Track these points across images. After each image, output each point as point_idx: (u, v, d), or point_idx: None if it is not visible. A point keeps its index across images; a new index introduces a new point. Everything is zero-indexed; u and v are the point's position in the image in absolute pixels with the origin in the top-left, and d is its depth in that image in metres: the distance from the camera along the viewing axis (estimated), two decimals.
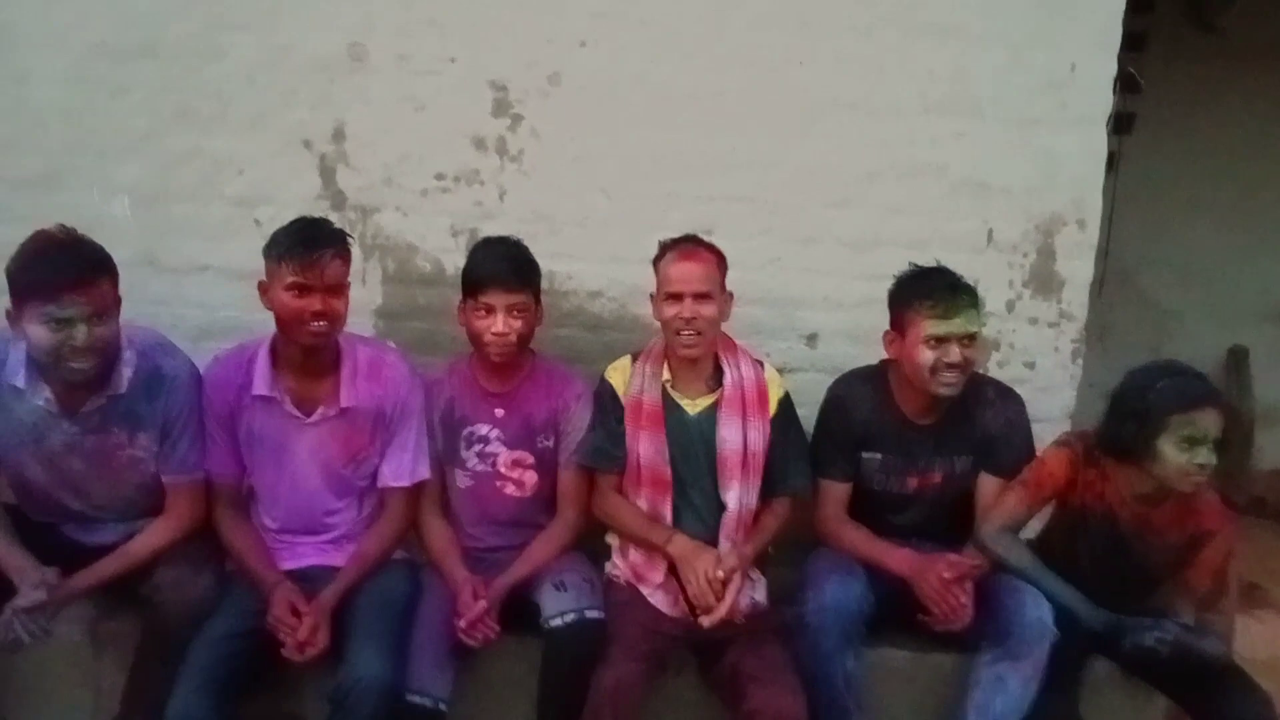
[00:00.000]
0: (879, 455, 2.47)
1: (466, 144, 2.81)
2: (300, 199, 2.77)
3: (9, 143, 2.78)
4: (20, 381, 2.22)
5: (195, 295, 2.79)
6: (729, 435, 2.36)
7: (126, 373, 2.26)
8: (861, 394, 2.49)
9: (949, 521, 2.50)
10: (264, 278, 2.28)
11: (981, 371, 2.67)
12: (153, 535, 2.29)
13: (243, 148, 2.79)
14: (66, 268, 2.08)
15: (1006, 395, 2.51)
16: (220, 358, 2.40)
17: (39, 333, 2.08)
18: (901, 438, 2.46)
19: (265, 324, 2.34)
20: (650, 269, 2.43)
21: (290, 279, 2.21)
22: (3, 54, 2.75)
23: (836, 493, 2.49)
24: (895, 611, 2.36)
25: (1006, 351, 2.91)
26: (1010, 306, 2.90)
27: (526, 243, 2.45)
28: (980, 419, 2.46)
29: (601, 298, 2.88)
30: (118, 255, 2.19)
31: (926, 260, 2.47)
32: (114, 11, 2.74)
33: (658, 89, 2.80)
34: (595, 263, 2.85)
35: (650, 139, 2.81)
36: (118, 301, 2.19)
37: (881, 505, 2.51)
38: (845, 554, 2.41)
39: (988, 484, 2.46)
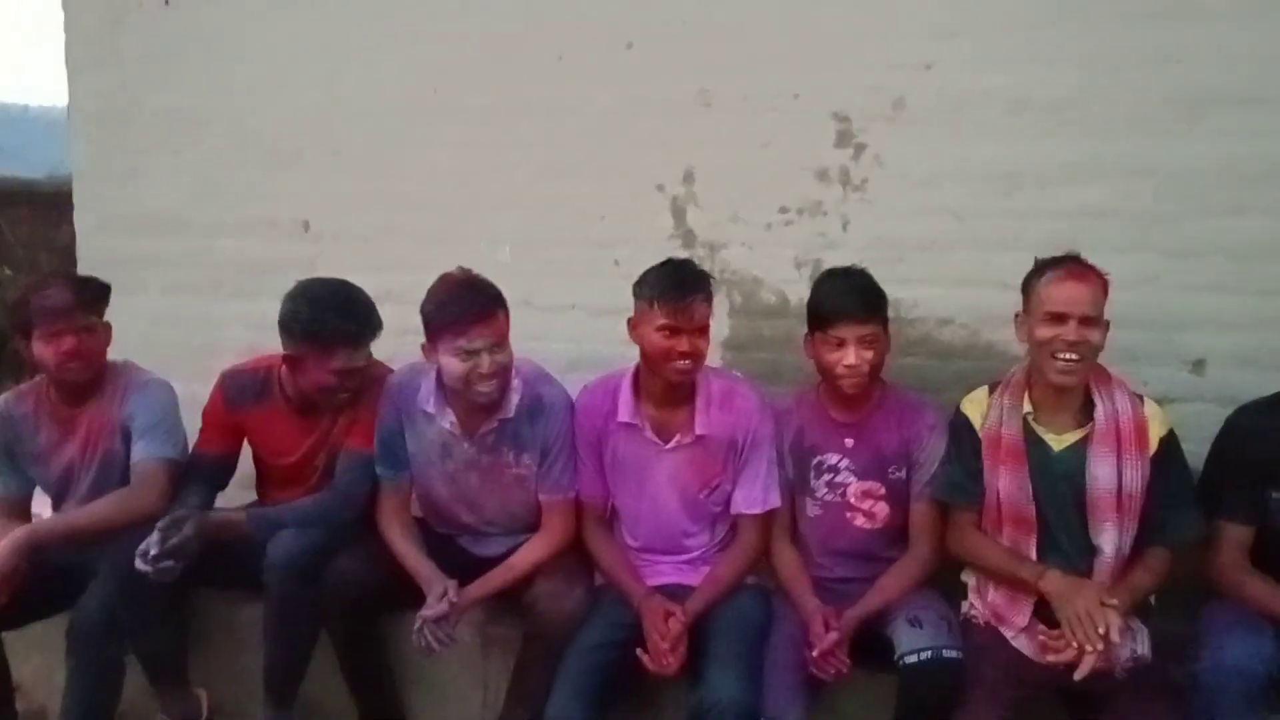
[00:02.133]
0: None
1: (809, 176, 2.85)
2: (654, 239, 2.95)
3: (417, 202, 3.23)
4: (430, 407, 2.56)
5: (564, 331, 3.05)
6: (1101, 473, 2.17)
7: (515, 399, 2.53)
8: (1269, 425, 2.19)
9: None
10: (632, 315, 2.45)
11: None
12: (532, 550, 2.54)
13: (602, 194, 3.04)
14: (472, 304, 2.38)
15: None
16: (589, 387, 2.61)
17: (451, 363, 2.39)
18: None
19: (626, 356, 2.51)
20: (1005, 293, 2.31)
21: (661, 321, 2.36)
22: (408, 123, 3.21)
23: (1237, 536, 2.19)
24: None
25: None
26: None
27: (871, 271, 2.43)
28: None
29: (951, 324, 2.78)
30: None
31: None
32: (502, 78, 3.10)
33: (1007, 102, 2.67)
34: (944, 288, 2.77)
35: (1001, 155, 2.69)
36: (509, 332, 2.46)
37: None
38: (1248, 607, 2.12)
39: None
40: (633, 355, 2.51)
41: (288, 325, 2.52)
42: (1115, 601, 2.06)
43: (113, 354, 2.76)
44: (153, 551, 2.35)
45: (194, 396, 2.82)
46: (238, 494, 2.83)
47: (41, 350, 2.59)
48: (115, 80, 3.45)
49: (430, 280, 2.48)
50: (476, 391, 2.41)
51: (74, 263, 3.59)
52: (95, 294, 2.67)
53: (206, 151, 3.42)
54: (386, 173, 3.26)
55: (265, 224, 3.41)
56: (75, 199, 3.56)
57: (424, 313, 2.43)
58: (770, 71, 2.85)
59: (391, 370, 2.69)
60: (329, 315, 2.49)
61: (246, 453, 2.82)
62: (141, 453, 2.64)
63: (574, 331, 3.04)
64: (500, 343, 2.40)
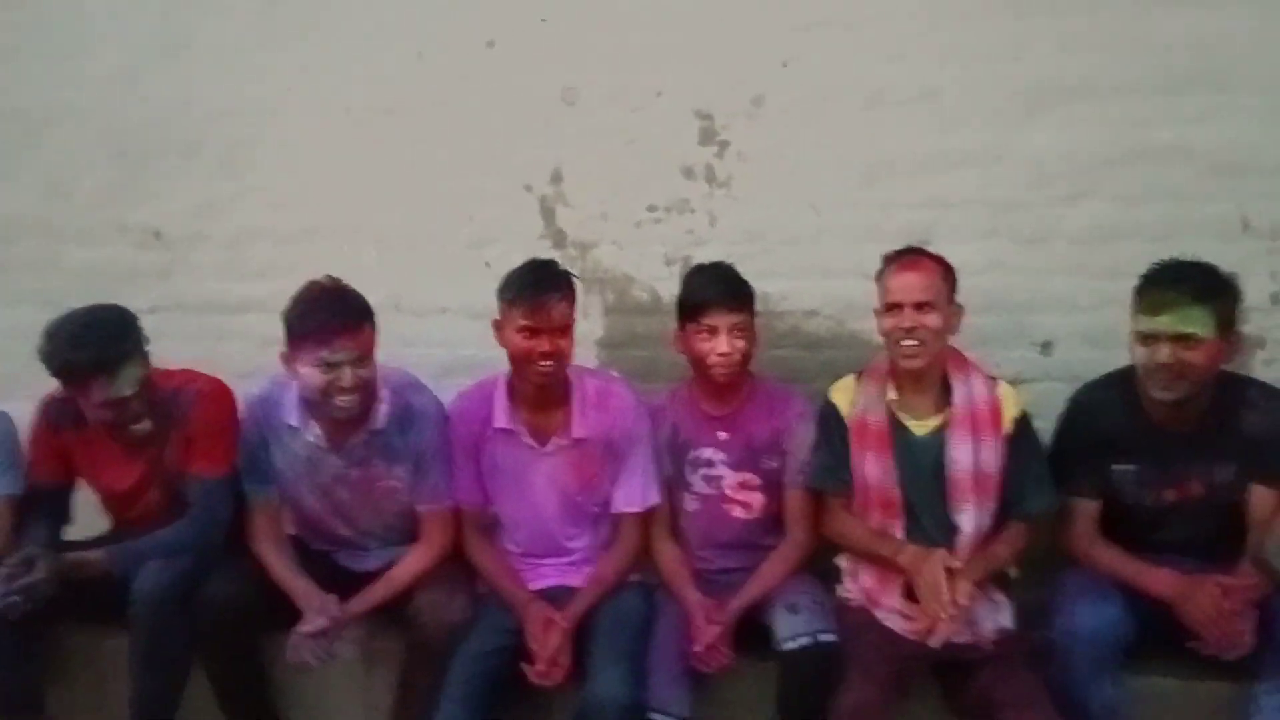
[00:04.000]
0: (1132, 467, 2.30)
1: (676, 173, 2.88)
2: (525, 239, 2.93)
3: (277, 205, 3.11)
4: (294, 420, 2.48)
5: (436, 335, 3.00)
6: (960, 456, 2.27)
7: (383, 410, 2.47)
8: (1108, 401, 2.32)
9: (1214, 537, 2.29)
10: (498, 317, 2.43)
11: (1244, 372, 2.44)
12: (412, 561, 2.49)
13: (470, 194, 2.99)
14: (337, 315, 2.31)
15: (1274, 397, 2.27)
16: (463, 393, 2.58)
17: (311, 374, 2.32)
18: (1155, 447, 2.27)
19: (500, 360, 2.49)
20: (868, 283, 2.39)
21: (520, 322, 2.35)
22: (274, 123, 3.09)
23: (1086, 510, 2.33)
24: (1162, 636, 2.18)
25: (1273, 348, 2.64)
26: (1275, 299, 2.62)
27: (738, 265, 2.48)
28: (1245, 423, 2.24)
29: (817, 316, 2.86)
30: (369, 300, 2.40)
31: (1171, 253, 2.27)
32: (362, 77, 3.01)
33: (865, 96, 2.76)
34: (809, 280, 2.84)
35: (859, 149, 2.77)
36: (375, 345, 2.41)
37: (1137, 522, 2.33)
38: (1100, 575, 2.26)
39: (1262, 495, 2.24)
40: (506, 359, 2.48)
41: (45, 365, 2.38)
42: (959, 564, 2.17)
43: None
44: (0, 590, 2.22)
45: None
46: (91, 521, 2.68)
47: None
48: None
49: (293, 287, 2.40)
50: (336, 405, 2.35)
51: None
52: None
53: (52, 152, 3.21)
54: (244, 175, 3.14)
55: (114, 230, 3.22)
56: None
57: (286, 321, 2.35)
58: (633, 69, 2.86)
59: (204, 383, 2.56)
60: (64, 349, 2.33)
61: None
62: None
63: (446, 335, 2.99)
64: (364, 356, 2.35)
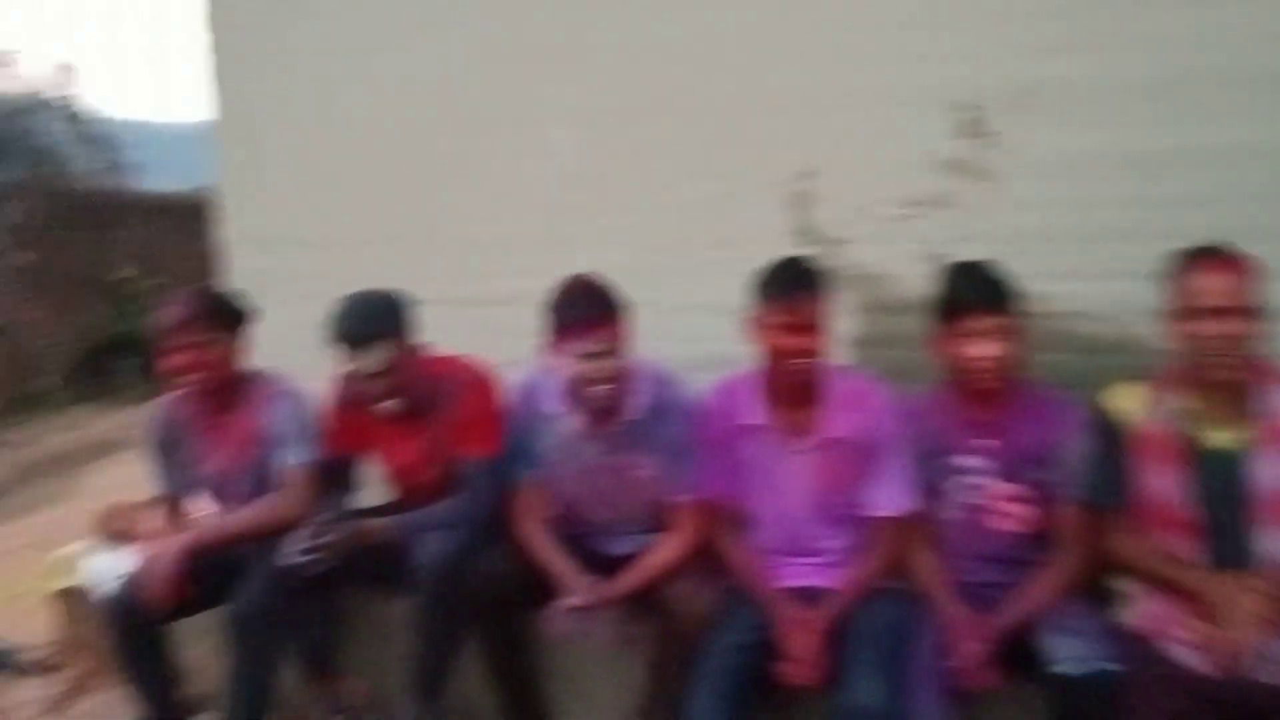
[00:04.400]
0: None
1: (936, 168, 2.78)
2: (777, 237, 2.92)
3: (537, 207, 3.30)
4: (556, 408, 2.62)
5: (689, 331, 3.05)
6: (1268, 475, 2.06)
7: (639, 401, 2.56)
8: None
9: None
10: (752, 314, 2.44)
11: None
12: (663, 550, 2.56)
13: (724, 193, 3.03)
14: (589, 309, 2.43)
15: None
16: (716, 388, 2.61)
17: (569, 365, 2.45)
18: None
19: (751, 356, 2.50)
20: (1146, 283, 2.20)
21: (774, 318, 2.35)
22: (528, 130, 3.27)
23: None
24: None
25: None
26: None
27: (1002, 264, 2.36)
28: None
29: (1090, 318, 2.68)
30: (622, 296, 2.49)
31: None
32: (615, 81, 3.12)
33: (1145, 86, 2.54)
34: (1080, 281, 2.66)
35: (1139, 141, 2.57)
36: (629, 338, 2.50)
37: None
38: None
39: None
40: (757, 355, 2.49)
41: None
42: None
43: (261, 362, 2.91)
44: (302, 547, 2.49)
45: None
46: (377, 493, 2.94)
47: (162, 364, 2.75)
48: (258, 92, 3.62)
49: (547, 285, 2.52)
50: (591, 394, 2.47)
51: (208, 274, 3.78)
52: (213, 308, 2.78)
53: (349, 163, 3.56)
54: (506, 181, 3.34)
55: (407, 236, 3.52)
56: (218, 212, 3.76)
57: (547, 314, 2.48)
58: (893, 62, 2.78)
59: (472, 370, 2.77)
60: (330, 323, 2.61)
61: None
62: (283, 459, 2.78)
63: (698, 332, 3.02)
64: (615, 348, 2.45)
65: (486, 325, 3.30)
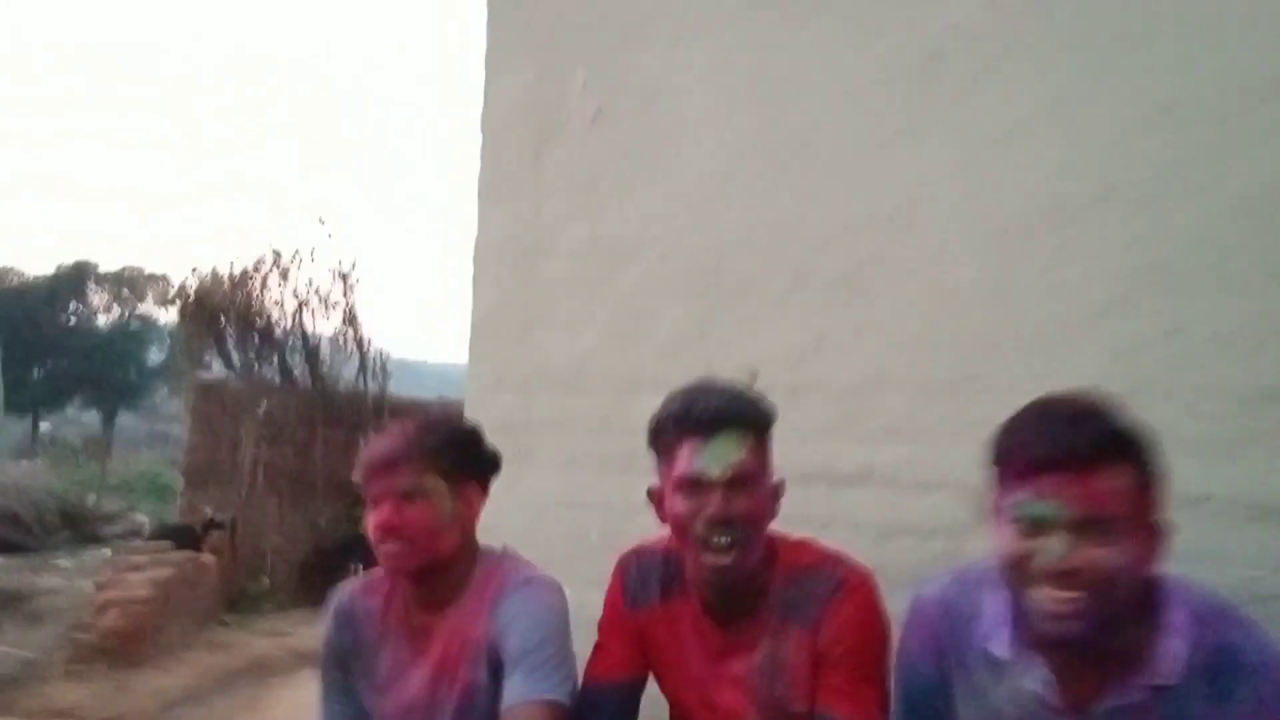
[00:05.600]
0: None
1: None
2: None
3: (907, 343, 2.26)
4: (1002, 648, 1.45)
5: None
6: None
7: (1173, 647, 1.33)
8: None
9: None
10: None
11: None
12: None
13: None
14: (1093, 440, 1.33)
15: None
16: None
17: (1017, 547, 1.32)
18: None
19: None
20: None
21: None
22: (903, 240, 2.30)
23: None
24: None
25: None
26: None
27: None
28: None
29: None
30: None
31: None
32: (1017, 170, 2.13)
33: None
34: None
35: None
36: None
37: None
38: None
39: None
40: None
41: None
42: None
43: (490, 540, 1.93)
44: None
45: (590, 607, 1.91)
46: None
47: (365, 523, 1.82)
48: (529, 211, 2.90)
49: (931, 454, 1.80)
50: (1064, 620, 1.33)
51: None
52: (442, 443, 1.84)
53: (628, 288, 2.70)
54: (862, 308, 2.34)
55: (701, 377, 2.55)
56: (470, 353, 2.96)
57: (996, 459, 1.40)
58: None
59: (859, 572, 1.72)
60: (668, 409, 1.78)
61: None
62: (516, 692, 1.69)
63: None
64: (1124, 526, 1.32)
65: (826, 511, 2.23)
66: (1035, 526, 1.33)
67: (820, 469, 2.28)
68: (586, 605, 1.92)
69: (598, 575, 1.97)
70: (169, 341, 23.09)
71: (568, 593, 1.87)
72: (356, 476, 1.82)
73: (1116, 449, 1.33)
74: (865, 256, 2.34)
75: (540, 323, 2.82)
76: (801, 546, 1.76)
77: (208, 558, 7.79)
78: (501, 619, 1.77)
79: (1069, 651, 1.37)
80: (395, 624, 1.86)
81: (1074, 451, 1.31)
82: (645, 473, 2.23)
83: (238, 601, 8.15)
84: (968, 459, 2.09)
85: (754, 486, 1.66)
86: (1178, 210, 1.99)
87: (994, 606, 1.51)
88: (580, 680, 1.79)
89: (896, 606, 1.68)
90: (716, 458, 1.63)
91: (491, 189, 2.99)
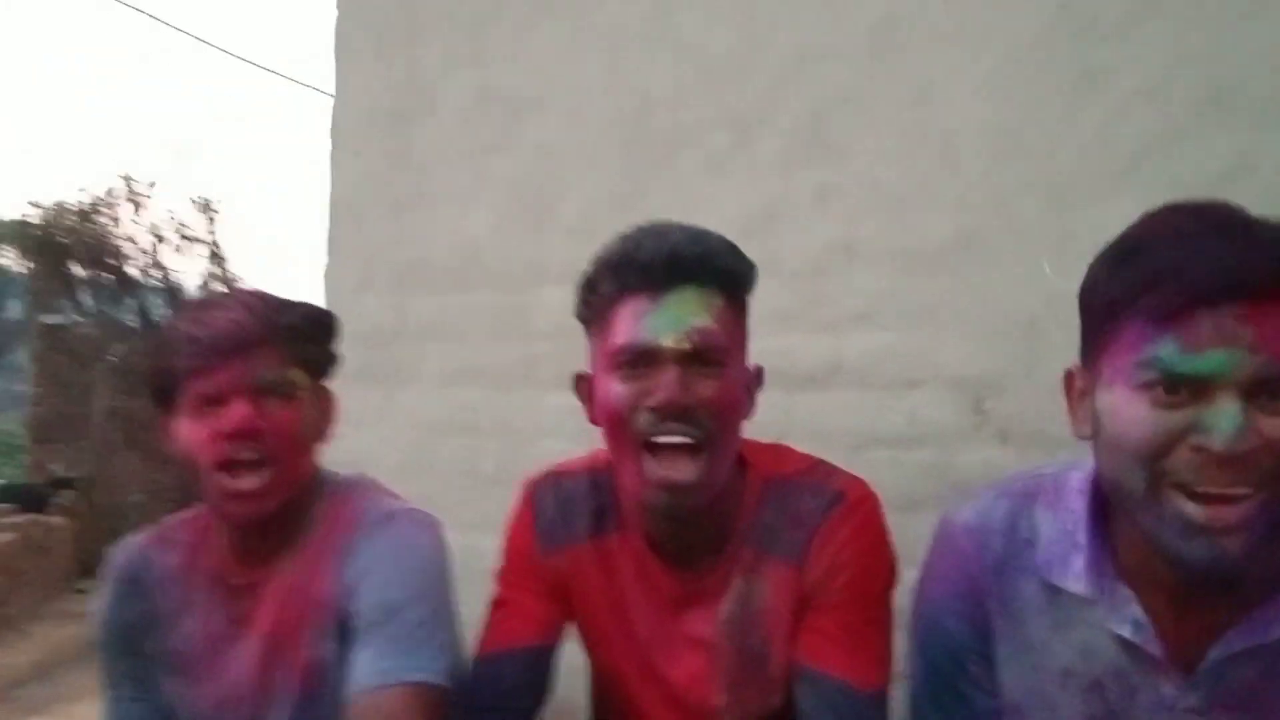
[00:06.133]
0: None
1: None
2: None
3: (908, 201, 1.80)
4: (1075, 582, 1.03)
5: None
6: None
7: None
8: None
9: None
10: None
11: None
12: None
13: None
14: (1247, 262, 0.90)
15: None
16: None
17: (1155, 425, 0.92)
18: None
19: None
20: None
21: None
22: (901, 64, 1.82)
23: None
24: None
25: None
26: None
27: None
28: None
29: None
30: None
31: None
32: None
33: None
34: None
35: None
36: None
37: None
38: None
39: None
40: None
41: None
42: None
43: (347, 467, 1.39)
44: None
45: (485, 556, 1.38)
46: None
47: (187, 435, 1.24)
48: (400, 64, 2.30)
49: None
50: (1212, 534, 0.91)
51: None
52: (303, 326, 1.28)
53: (528, 154, 2.15)
54: (832, 160, 1.86)
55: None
56: (329, 245, 2.37)
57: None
58: None
59: (857, 487, 1.24)
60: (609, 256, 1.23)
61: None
62: (368, 671, 1.16)
63: None
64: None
65: (786, 420, 1.76)
66: (1192, 390, 0.88)
67: (774, 366, 1.80)
68: (480, 553, 1.40)
69: (494, 515, 1.42)
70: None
71: (453, 538, 1.35)
72: (163, 366, 1.25)
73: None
74: (828, 98, 1.85)
75: (416, 203, 2.24)
76: (780, 452, 1.27)
77: (57, 520, 7.04)
78: (353, 570, 1.24)
79: (1210, 583, 0.94)
80: (206, 585, 1.31)
81: (1251, 275, 0.85)
82: (553, 386, 1.71)
83: (95, 567, 7.35)
84: (960, 348, 1.70)
85: (723, 365, 1.16)
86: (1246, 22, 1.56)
87: (1056, 527, 1.07)
88: (473, 650, 1.29)
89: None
90: (671, 321, 1.13)
91: (352, 38, 2.39)
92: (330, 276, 2.38)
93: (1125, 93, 1.62)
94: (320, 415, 1.31)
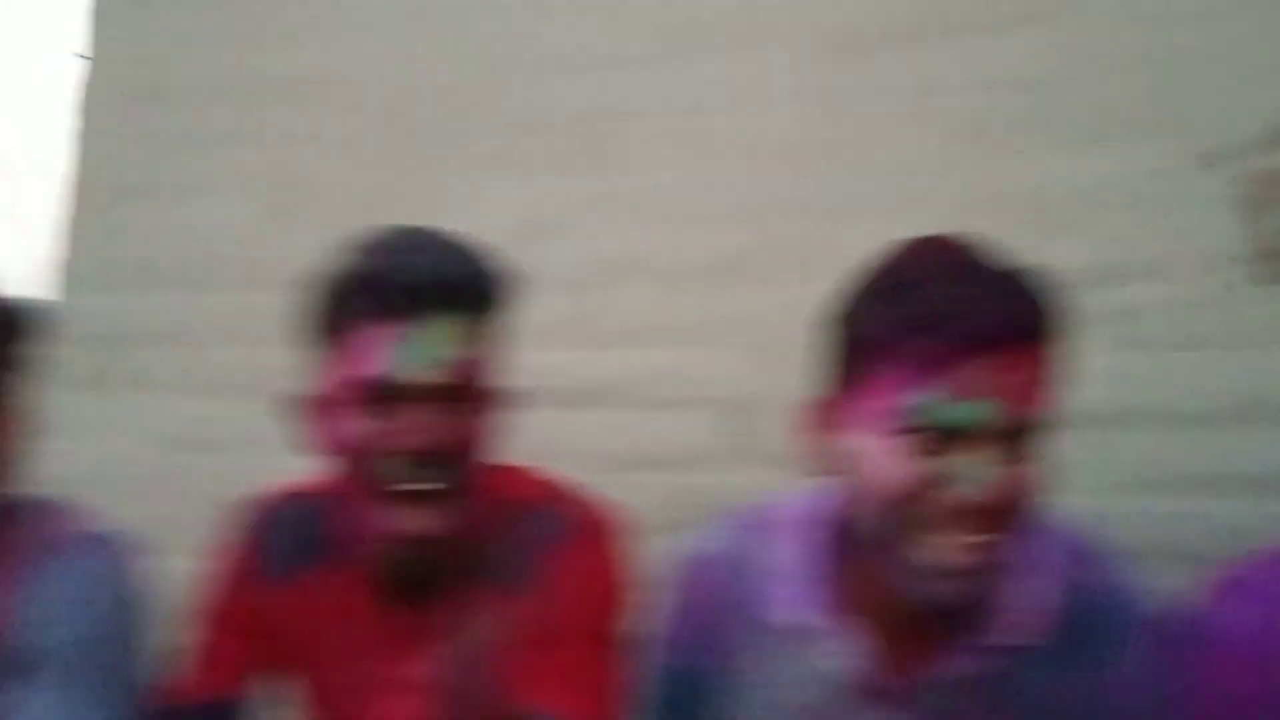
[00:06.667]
0: None
1: None
2: None
3: (690, 210, 1.73)
4: (810, 617, 1.00)
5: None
6: None
7: (1040, 594, 0.95)
8: None
9: None
10: None
11: None
12: None
13: None
14: (1015, 315, 0.91)
15: None
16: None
17: (911, 472, 0.90)
18: None
19: None
20: None
21: None
22: (691, 67, 1.76)
23: None
24: None
25: None
26: None
27: None
28: None
29: None
30: None
31: None
32: None
33: None
34: None
35: None
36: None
37: None
38: None
39: None
40: None
41: None
42: None
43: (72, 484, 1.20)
44: None
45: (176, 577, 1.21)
46: None
47: None
48: (151, 39, 2.08)
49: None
50: (955, 576, 0.90)
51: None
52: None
53: (285, 144, 1.97)
54: (610, 162, 1.78)
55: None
56: (69, 234, 2.11)
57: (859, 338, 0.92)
58: None
59: (590, 511, 1.16)
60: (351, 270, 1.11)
61: None
62: (41, 713, 1.01)
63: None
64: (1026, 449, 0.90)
65: (551, 441, 1.66)
66: (951, 438, 0.85)
67: (538, 384, 1.71)
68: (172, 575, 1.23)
69: (197, 538, 1.27)
70: None
71: (182, 564, 1.18)
72: None
73: (1054, 323, 0.88)
74: (606, 104, 1.77)
75: (159, 191, 2.02)
76: (513, 476, 1.16)
77: None
78: (36, 602, 1.06)
79: (944, 616, 0.91)
80: None
81: (1014, 326, 0.84)
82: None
83: None
84: (731, 368, 1.65)
85: (480, 401, 1.05)
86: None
87: (789, 559, 1.02)
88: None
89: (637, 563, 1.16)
90: (422, 353, 0.99)
91: (105, 8, 2.15)
92: (64, 271, 2.11)
93: (896, 111, 1.62)
94: (14, 424, 1.11)
